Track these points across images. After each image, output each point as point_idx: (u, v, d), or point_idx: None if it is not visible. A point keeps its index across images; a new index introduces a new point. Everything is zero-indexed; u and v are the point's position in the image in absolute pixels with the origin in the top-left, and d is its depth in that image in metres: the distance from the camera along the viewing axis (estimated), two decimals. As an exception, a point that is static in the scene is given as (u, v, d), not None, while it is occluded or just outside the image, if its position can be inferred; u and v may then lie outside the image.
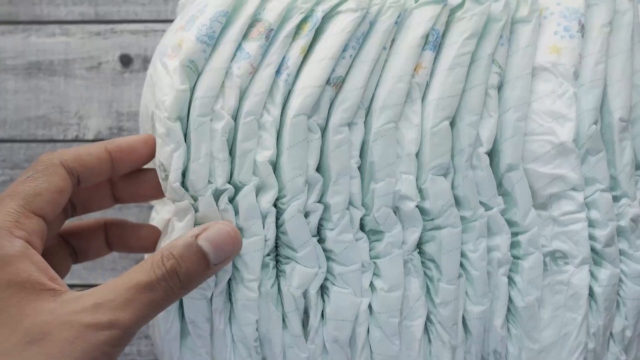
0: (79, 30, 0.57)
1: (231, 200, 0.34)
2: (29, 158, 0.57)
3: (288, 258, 0.35)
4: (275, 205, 0.34)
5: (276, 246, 0.35)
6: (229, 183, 0.34)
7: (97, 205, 0.38)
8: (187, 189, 0.34)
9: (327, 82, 0.34)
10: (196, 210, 0.34)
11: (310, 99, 0.33)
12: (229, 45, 0.34)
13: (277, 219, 0.34)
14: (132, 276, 0.30)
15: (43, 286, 0.29)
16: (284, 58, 0.35)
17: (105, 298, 0.29)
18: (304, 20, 0.35)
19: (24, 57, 0.57)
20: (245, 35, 0.35)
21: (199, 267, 0.31)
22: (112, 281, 0.30)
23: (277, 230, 0.34)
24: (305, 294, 0.35)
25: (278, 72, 0.34)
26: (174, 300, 0.31)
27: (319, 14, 0.35)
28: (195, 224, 0.34)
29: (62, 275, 0.37)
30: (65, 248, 0.37)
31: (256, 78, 0.34)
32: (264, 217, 0.34)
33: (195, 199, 0.34)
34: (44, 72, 0.57)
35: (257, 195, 0.34)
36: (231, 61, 0.34)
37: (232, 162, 0.34)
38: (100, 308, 0.28)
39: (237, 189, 0.34)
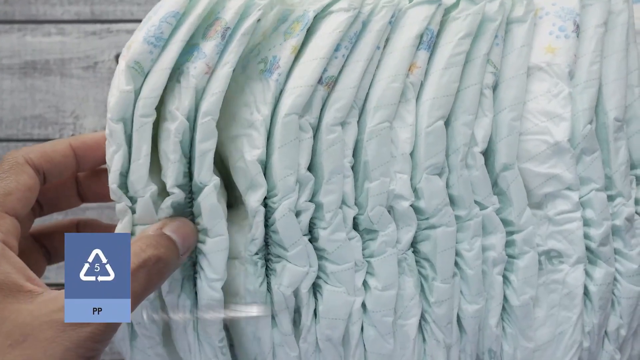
0: (74, 29, 0.57)
1: (193, 201, 0.34)
2: (25, 157, 0.57)
3: (279, 257, 0.35)
4: (266, 204, 0.34)
5: (267, 245, 0.35)
6: (191, 184, 0.34)
7: (64, 204, 0.38)
8: (127, 190, 0.33)
9: (319, 81, 0.34)
10: (133, 212, 0.33)
11: (302, 98, 0.33)
12: (175, 45, 0.33)
13: (268, 217, 0.34)
14: None
15: (21, 288, 0.28)
16: (275, 57, 0.34)
17: None
18: (295, 20, 0.35)
19: (20, 57, 0.57)
20: (204, 35, 0.34)
21: (172, 254, 0.31)
22: None
23: (267, 229, 0.34)
24: (297, 293, 0.35)
25: (269, 71, 0.34)
26: (152, 289, 0.31)
27: (310, 14, 0.34)
28: (133, 225, 0.33)
29: (38, 276, 0.37)
30: (39, 249, 0.37)
31: (213, 78, 0.33)
32: (253, 215, 0.34)
33: (134, 201, 0.33)
34: (39, 72, 0.57)
35: (245, 194, 0.34)
36: (188, 62, 0.34)
37: (192, 163, 0.34)
38: None
39: (199, 190, 0.34)
